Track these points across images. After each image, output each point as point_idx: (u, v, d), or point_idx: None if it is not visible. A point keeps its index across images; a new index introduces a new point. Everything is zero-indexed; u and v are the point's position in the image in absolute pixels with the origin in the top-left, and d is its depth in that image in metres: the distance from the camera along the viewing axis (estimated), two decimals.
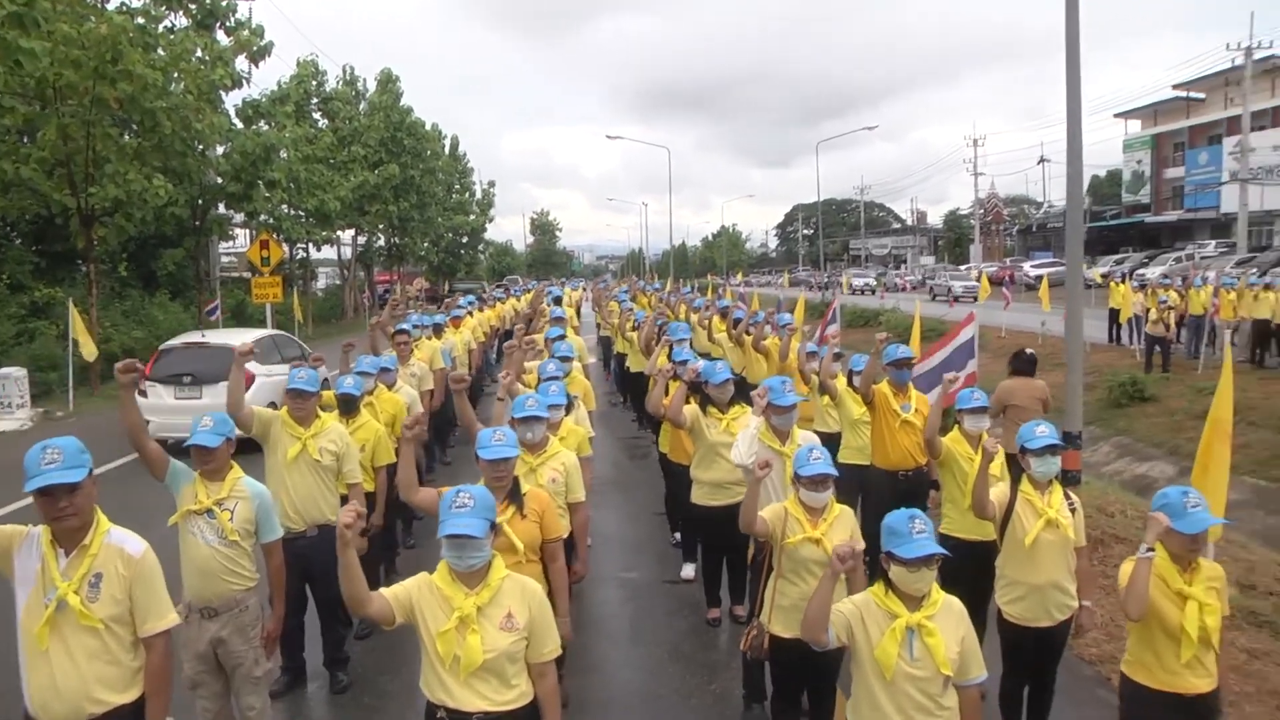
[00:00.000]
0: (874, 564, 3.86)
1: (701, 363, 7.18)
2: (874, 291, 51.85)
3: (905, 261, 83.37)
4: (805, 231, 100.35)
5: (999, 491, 5.07)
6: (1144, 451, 16.34)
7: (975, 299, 30.43)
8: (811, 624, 3.63)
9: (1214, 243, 47.00)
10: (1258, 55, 43.35)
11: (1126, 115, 62.95)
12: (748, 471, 4.69)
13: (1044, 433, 4.92)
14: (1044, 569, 4.88)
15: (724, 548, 6.65)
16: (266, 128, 29.10)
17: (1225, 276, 21.76)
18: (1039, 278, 39.27)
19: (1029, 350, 9.64)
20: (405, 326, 10.51)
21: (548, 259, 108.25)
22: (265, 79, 68.16)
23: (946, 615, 3.58)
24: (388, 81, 47.22)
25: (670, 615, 7.49)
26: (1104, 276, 36.78)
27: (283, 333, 18.21)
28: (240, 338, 16.20)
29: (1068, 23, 9.06)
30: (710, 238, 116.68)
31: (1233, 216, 44.05)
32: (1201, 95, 55.64)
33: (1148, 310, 20.30)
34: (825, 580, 3.59)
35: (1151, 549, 3.94)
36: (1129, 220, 61.50)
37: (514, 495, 4.71)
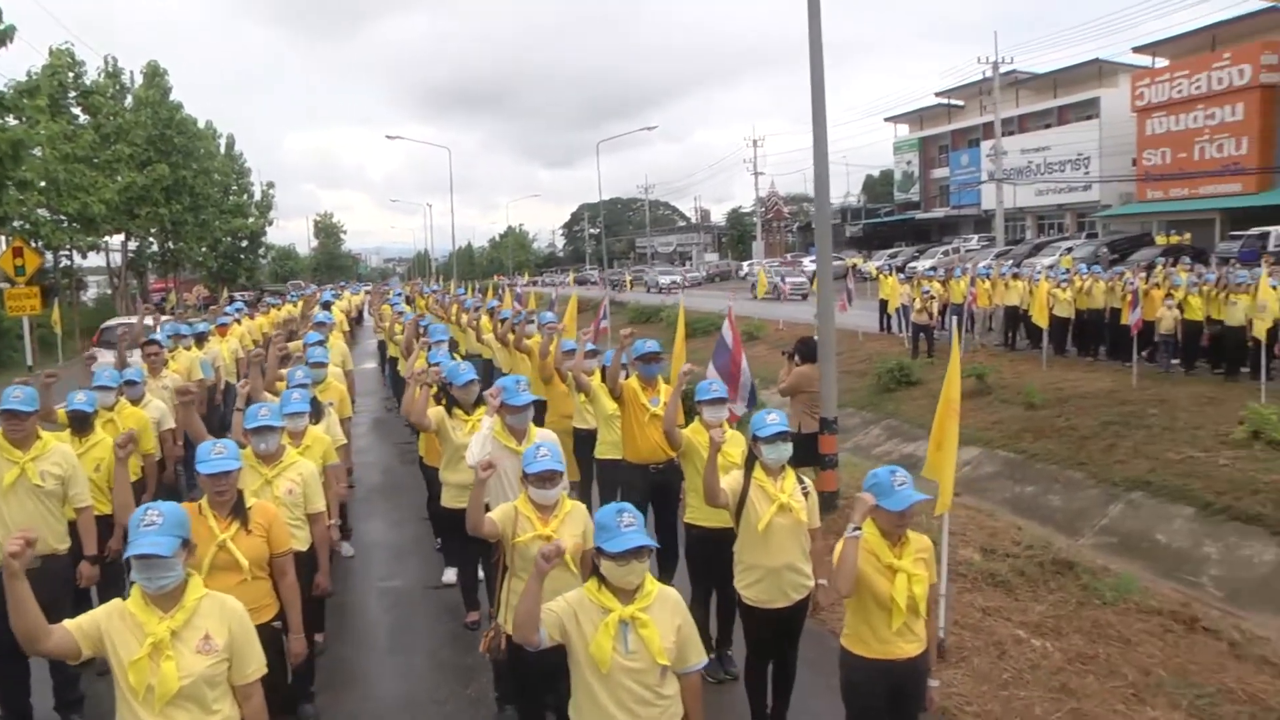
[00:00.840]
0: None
1: (446, 364, 7.11)
2: (681, 288, 52.19)
3: (690, 258, 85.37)
4: (592, 230, 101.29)
5: (732, 479, 5.19)
6: (910, 432, 17.30)
7: (804, 297, 31.38)
8: (521, 624, 3.59)
9: (977, 237, 51.08)
10: (1004, 69, 47.19)
11: (895, 119, 66.81)
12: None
13: (774, 420, 5.07)
14: (778, 552, 5.06)
15: (477, 549, 6.59)
16: (15, 123, 26.82)
17: (980, 267, 23.35)
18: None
19: (815, 337, 10.02)
20: (157, 336, 9.94)
21: (333, 262, 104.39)
22: (12, 68, 62.70)
23: (661, 606, 3.59)
24: (154, 75, 44.47)
25: (431, 621, 7.40)
26: (878, 270, 38.84)
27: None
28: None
29: (811, 45, 9.46)
30: (497, 238, 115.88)
31: (992, 213, 47.57)
32: (961, 103, 59.81)
33: (914, 300, 21.52)
34: (532, 580, 3.54)
35: (859, 528, 4.14)
36: (901, 217, 65.57)
37: (238, 510, 4.52)
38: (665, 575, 6.63)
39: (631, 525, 3.51)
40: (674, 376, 6.85)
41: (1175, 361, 17.19)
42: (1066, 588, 8.21)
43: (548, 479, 4.50)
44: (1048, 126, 52.55)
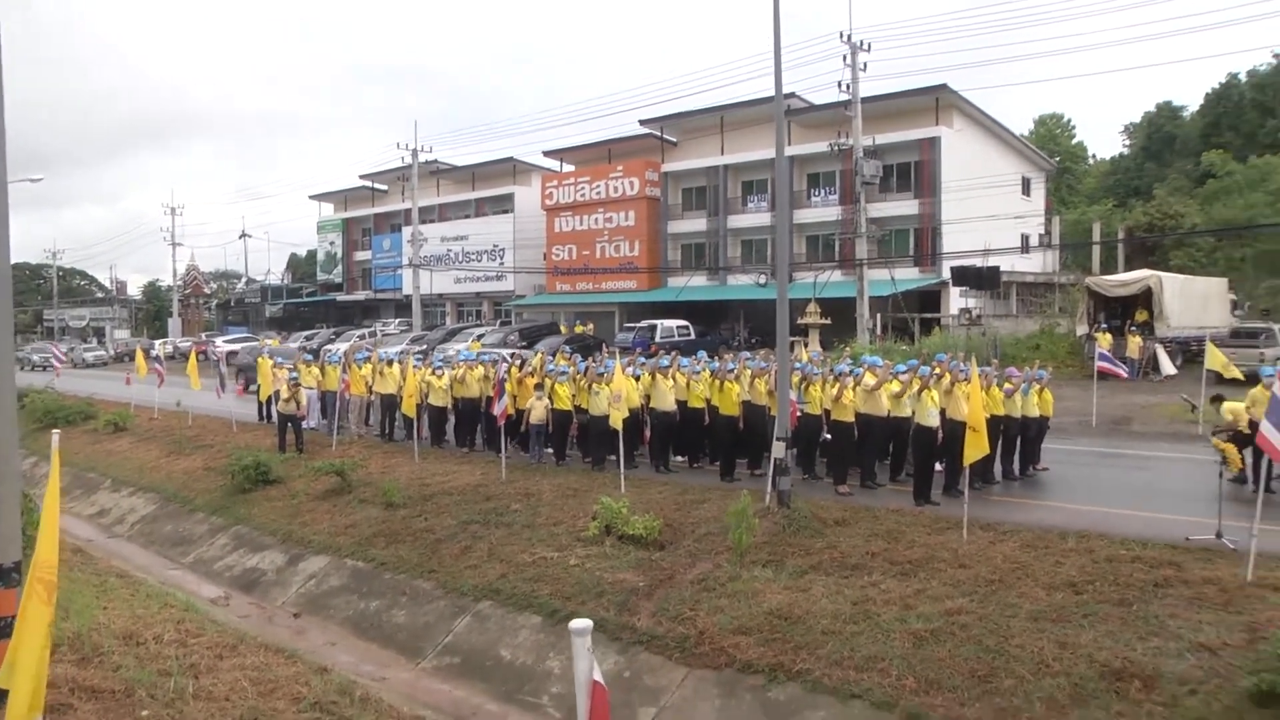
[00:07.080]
0: None
1: None
2: (105, 364, 47.04)
3: (104, 334, 76.29)
4: None
5: None
6: (259, 540, 14.92)
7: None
8: None
9: (397, 320, 50.57)
10: (424, 159, 47.67)
11: (320, 198, 64.87)
12: None
13: None
14: None
15: None
16: None
17: (359, 352, 21.71)
18: (232, 353, 37.31)
19: None
20: None
21: None
22: None
23: None
24: None
25: None
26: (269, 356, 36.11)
27: None
28: None
29: None
30: None
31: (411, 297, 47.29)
32: (385, 187, 59.70)
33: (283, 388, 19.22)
34: None
35: None
36: (323, 298, 63.67)
37: None
38: None
39: None
40: None
41: (548, 450, 16.66)
42: None
43: None
44: (467, 217, 54.00)
